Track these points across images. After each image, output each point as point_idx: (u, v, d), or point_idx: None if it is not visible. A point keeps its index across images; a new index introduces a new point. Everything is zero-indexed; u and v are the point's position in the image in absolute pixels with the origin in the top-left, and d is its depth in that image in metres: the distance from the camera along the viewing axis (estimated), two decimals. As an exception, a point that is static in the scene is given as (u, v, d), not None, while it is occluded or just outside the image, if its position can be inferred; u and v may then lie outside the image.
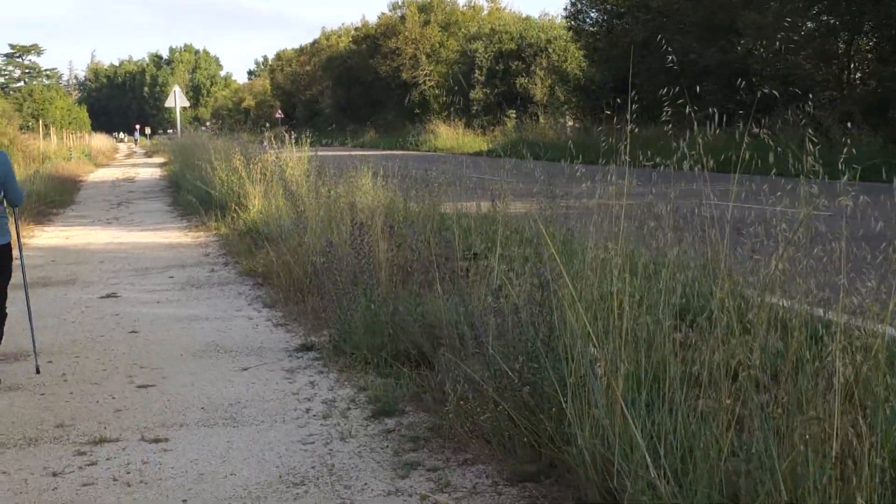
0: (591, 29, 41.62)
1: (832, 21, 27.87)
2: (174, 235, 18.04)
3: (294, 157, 18.12)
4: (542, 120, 46.01)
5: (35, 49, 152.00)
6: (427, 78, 66.07)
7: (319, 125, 75.50)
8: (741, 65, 29.86)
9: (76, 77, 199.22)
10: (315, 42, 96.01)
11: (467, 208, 13.14)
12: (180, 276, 13.23)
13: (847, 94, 27.63)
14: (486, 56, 55.46)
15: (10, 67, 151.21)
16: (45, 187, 28.25)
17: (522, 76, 53.07)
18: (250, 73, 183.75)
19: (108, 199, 28.02)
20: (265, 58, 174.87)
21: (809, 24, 29.04)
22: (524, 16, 60.73)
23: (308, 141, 19.51)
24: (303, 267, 10.89)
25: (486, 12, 69.03)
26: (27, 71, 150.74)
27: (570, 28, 43.86)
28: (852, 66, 28.36)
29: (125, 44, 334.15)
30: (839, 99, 27.11)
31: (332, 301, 8.85)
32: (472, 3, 70.45)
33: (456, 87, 55.09)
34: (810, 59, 28.36)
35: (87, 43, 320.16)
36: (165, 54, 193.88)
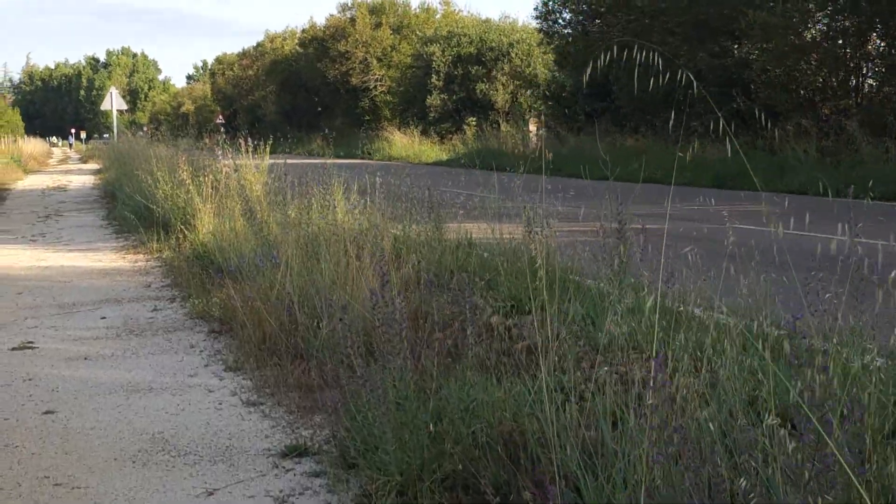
0: (564, 31, 39.15)
1: (842, 24, 25.59)
2: (109, 258, 15.34)
3: (252, 168, 15.55)
4: (503, 128, 43.56)
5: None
6: (378, 83, 63.52)
7: (262, 131, 72.67)
8: (737, 70, 27.59)
9: (10, 80, 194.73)
10: (258, 45, 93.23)
11: (471, 233, 11.20)
12: (115, 316, 10.57)
13: (861, 102, 25.37)
14: (444, 60, 52.96)
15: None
16: (-37, 196, 25.54)
17: (483, 81, 50.65)
18: (190, 77, 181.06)
19: (36, 210, 25.19)
20: (205, 62, 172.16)
21: (818, 27, 26.79)
22: (484, 18, 58.19)
23: (268, 148, 16.81)
24: (278, 317, 8.27)
25: (440, 15, 66.62)
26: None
27: (540, 30, 41.16)
28: (864, 71, 26.10)
29: (61, 46, 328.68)
30: (849, 108, 24.84)
31: (331, 376, 6.32)
32: (426, 6, 68.05)
33: (411, 92, 52.78)
34: (818, 64, 26.07)
35: (22, 45, 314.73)
36: (103, 57, 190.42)
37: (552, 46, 41.08)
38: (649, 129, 29.82)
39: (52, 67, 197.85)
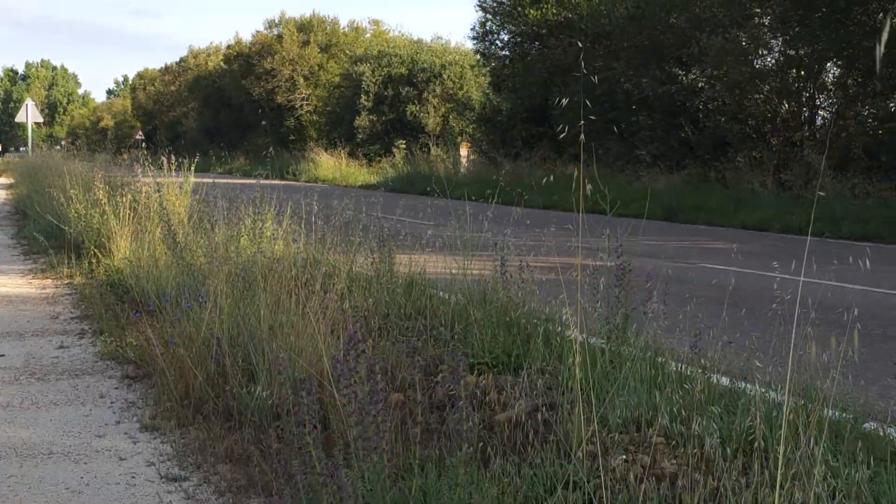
0: (501, 53, 38.03)
1: (796, 52, 24.72)
2: (14, 282, 13.95)
3: (174, 187, 14.28)
4: (433, 151, 42.40)
5: None
6: (304, 102, 62.12)
7: (182, 148, 71.02)
8: (684, 98, 26.71)
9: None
10: (182, 60, 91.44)
11: (421, 265, 10.13)
12: (15, 354, 9.27)
13: (815, 134, 24.51)
14: (374, 80, 51.57)
15: None
16: None
17: (414, 103, 49.47)
18: (110, 92, 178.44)
19: (-60, 226, 23.59)
20: (126, 77, 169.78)
21: (772, 55, 25.94)
22: (416, 39, 56.95)
23: (193, 166, 15.50)
24: (205, 367, 7.03)
25: (369, 34, 65.42)
26: None
27: (477, 51, 39.96)
28: (817, 101, 25.25)
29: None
30: (802, 140, 23.97)
31: (275, 457, 5.14)
32: (355, 25, 66.78)
33: (338, 112, 51.51)
34: (768, 94, 25.23)
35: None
36: (21, 69, 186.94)
37: (488, 69, 39.98)
38: (591, 156, 28.85)
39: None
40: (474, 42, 38.89)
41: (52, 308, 11.86)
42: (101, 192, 14.28)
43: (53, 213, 16.79)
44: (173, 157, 15.20)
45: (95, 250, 13.68)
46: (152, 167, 16.53)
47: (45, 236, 16.86)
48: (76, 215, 15.17)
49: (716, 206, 21.50)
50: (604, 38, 30.00)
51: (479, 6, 37.81)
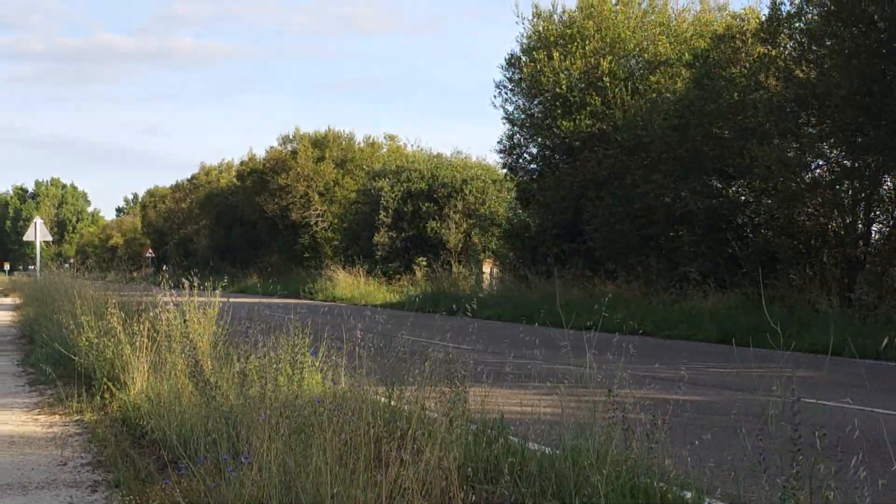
0: (529, 166, 36.85)
1: (852, 162, 23.41)
2: (18, 419, 12.54)
3: (195, 310, 12.92)
4: (455, 269, 41.11)
5: None
6: (320, 219, 61.09)
7: (194, 267, 69.99)
8: (729, 211, 25.40)
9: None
10: (193, 178, 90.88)
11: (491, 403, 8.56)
12: (17, 518, 7.87)
13: (869, 251, 23.13)
14: (393, 196, 50.45)
15: None
16: None
17: (434, 219, 48.30)
18: (119, 210, 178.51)
19: (-58, 352, 22.20)
20: (135, 195, 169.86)
21: (823, 165, 24.61)
22: (435, 153, 55.96)
23: (220, 285, 14.10)
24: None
25: (385, 150, 64.61)
26: None
27: (504, 165, 38.77)
28: (872, 215, 23.84)
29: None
30: (856, 258, 22.61)
31: None
32: (371, 140, 65.95)
33: (355, 229, 50.35)
34: (822, 207, 23.89)
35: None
36: (31, 188, 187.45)
37: (515, 183, 38.78)
38: (630, 273, 27.52)
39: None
40: (501, 156, 37.68)
41: (60, 452, 10.43)
42: (115, 318, 12.90)
43: (62, 340, 15.45)
44: (194, 278, 13.78)
45: (108, 383, 12.28)
46: (170, 288, 15.17)
47: (53, 365, 15.53)
48: (87, 344, 13.80)
49: (776, 327, 19.96)
50: (641, 151, 28.77)
51: (507, 119, 36.75)
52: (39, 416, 12.70)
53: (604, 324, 23.35)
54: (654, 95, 30.50)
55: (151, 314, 12.76)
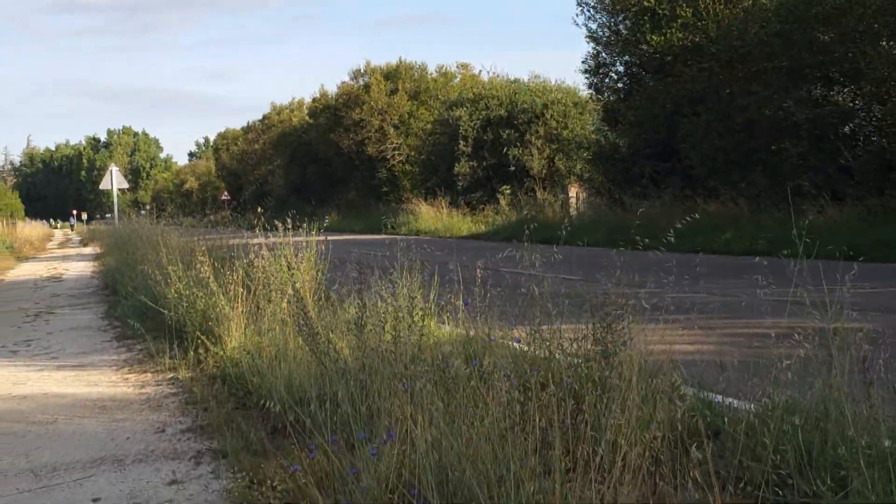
0: (616, 85, 35.30)
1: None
2: (108, 379, 11.63)
3: (291, 254, 11.87)
4: (540, 195, 39.77)
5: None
6: (396, 152, 59.97)
7: (270, 207, 69.39)
8: (837, 120, 23.84)
9: (11, 163, 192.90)
10: (265, 118, 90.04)
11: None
12: (115, 497, 6.94)
13: None
14: (472, 124, 49.13)
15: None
16: (-56, 292, 21.94)
17: (516, 146, 46.90)
18: (192, 154, 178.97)
19: (25, 306, 21.45)
20: (207, 139, 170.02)
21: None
22: (512, 79, 54.27)
23: (317, 226, 13.01)
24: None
25: (458, 79, 63.17)
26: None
27: (590, 85, 37.26)
28: None
29: (62, 128, 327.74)
30: None
31: None
32: (444, 70, 64.45)
33: (433, 161, 49.03)
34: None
35: (22, 127, 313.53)
36: (104, 137, 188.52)
37: (601, 104, 37.25)
38: (734, 190, 26.01)
39: (53, 149, 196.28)
40: (586, 76, 36.07)
41: (155, 416, 9.47)
42: (205, 266, 11.88)
43: (147, 291, 14.50)
44: (288, 219, 12.68)
45: (202, 337, 11.28)
46: (261, 230, 14.15)
47: (140, 318, 14.62)
48: (176, 296, 12.82)
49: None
50: (738, 62, 27.20)
51: (590, 37, 35.21)
52: (130, 375, 11.78)
53: (712, 245, 22.06)
54: (749, 3, 28.80)
55: (245, 260, 11.73)
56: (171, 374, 11.39)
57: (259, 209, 13.00)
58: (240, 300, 10.96)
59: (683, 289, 7.48)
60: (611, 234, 26.18)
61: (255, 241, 12.87)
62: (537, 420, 4.80)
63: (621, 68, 35.39)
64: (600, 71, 35.52)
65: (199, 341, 11.23)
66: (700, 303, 7.04)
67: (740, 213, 24.42)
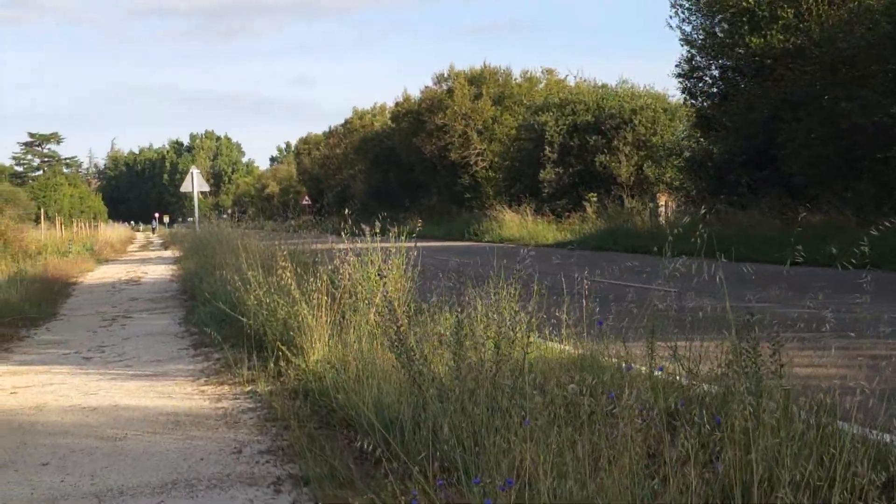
0: (711, 90, 34.07)
1: None
2: (183, 391, 10.94)
3: (381, 261, 11.09)
4: (627, 203, 38.68)
5: (55, 137, 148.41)
6: (479, 158, 59.14)
7: (355, 210, 68.62)
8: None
9: (96, 165, 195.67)
10: (346, 122, 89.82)
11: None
12: (185, 534, 6.18)
13: None
14: (558, 130, 48.05)
15: (30, 156, 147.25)
16: (23, 293, 21.46)
17: (603, 153, 45.83)
18: (273, 159, 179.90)
19: (102, 310, 20.95)
20: (288, 144, 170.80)
21: None
22: (599, 84, 53.14)
23: (405, 234, 12.15)
24: None
25: (542, 84, 62.22)
26: (46, 160, 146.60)
27: (684, 90, 35.87)
28: None
29: (146, 132, 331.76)
30: None
31: None
32: (529, 75, 63.53)
33: (517, 167, 48.08)
34: None
35: (107, 131, 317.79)
36: (186, 141, 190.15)
37: (694, 109, 36.00)
38: (839, 200, 24.76)
39: (137, 152, 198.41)
40: (679, 80, 34.68)
41: (232, 434, 8.73)
42: (287, 272, 11.12)
43: (226, 298, 13.80)
44: (375, 225, 11.89)
45: (282, 347, 10.52)
46: (349, 235, 13.39)
47: (218, 325, 13.97)
48: (256, 303, 12.09)
49: None
50: (843, 65, 25.96)
51: (685, 40, 33.92)
52: (206, 387, 11.08)
53: (815, 257, 20.90)
54: (854, 3, 27.51)
55: (329, 266, 10.96)
56: (250, 387, 10.68)
57: (347, 210, 12.11)
58: (324, 309, 10.19)
59: (790, 303, 6.71)
60: (706, 244, 25.13)
61: (340, 246, 12.09)
62: (690, 468, 3.94)
63: (716, 72, 34.08)
64: (694, 75, 34.19)
65: (280, 352, 10.49)
66: (808, 318, 6.19)
67: (846, 224, 23.18)
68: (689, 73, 34.30)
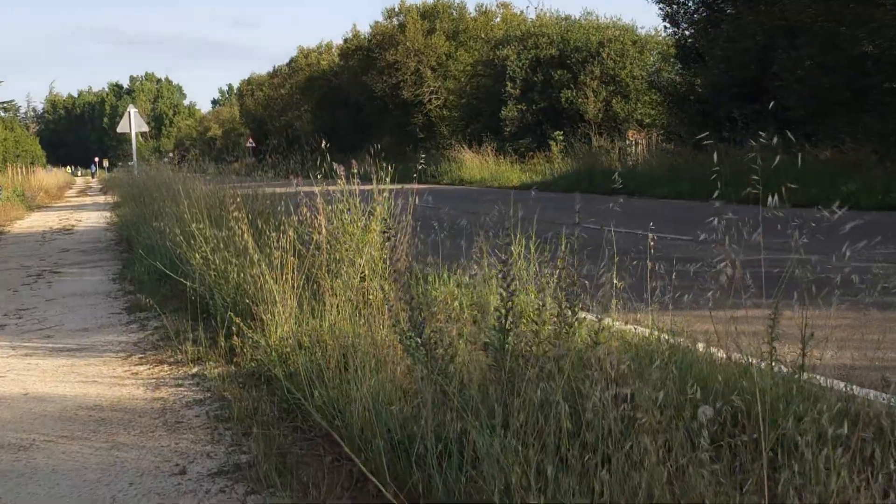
0: (694, 16, 31.60)
1: None
2: (110, 373, 8.75)
3: (356, 210, 8.87)
4: (595, 141, 36.49)
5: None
6: (433, 96, 56.75)
7: (296, 155, 66.22)
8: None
9: (34, 109, 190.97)
10: (292, 61, 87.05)
11: None
12: None
13: None
14: (521, 64, 45.62)
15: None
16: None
17: (569, 88, 43.52)
18: (215, 102, 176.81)
19: (27, 264, 18.70)
20: (230, 86, 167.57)
21: None
22: (563, 16, 50.58)
23: (388, 174, 9.81)
24: None
25: (498, 19, 59.88)
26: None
27: (666, 16, 33.13)
28: None
29: (85, 75, 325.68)
30: None
31: None
32: (484, 9, 61.09)
33: (475, 104, 45.78)
34: None
35: (45, 74, 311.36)
36: (126, 84, 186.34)
37: (675, 38, 33.60)
38: (847, 135, 22.67)
39: (76, 96, 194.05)
40: (660, 6, 32.28)
41: (173, 442, 6.56)
42: (241, 225, 8.85)
43: (165, 254, 11.57)
44: (354, 164, 9.62)
45: (236, 319, 8.25)
46: (302, 176, 11.23)
47: (155, 284, 11.76)
48: (202, 262, 9.81)
49: None
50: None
51: (665, -38, 31.48)
52: (140, 367, 8.87)
53: (833, 198, 18.93)
54: None
55: (295, 217, 8.70)
56: (195, 369, 8.52)
57: (325, 143, 9.83)
58: (290, 272, 7.95)
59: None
60: (694, 184, 23.09)
61: (307, 189, 9.81)
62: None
63: (700, -7, 31.44)
64: (675, 0, 31.77)
65: (233, 324, 8.23)
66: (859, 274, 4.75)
67: (862, 161, 21.13)
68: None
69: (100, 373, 8.72)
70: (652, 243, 6.05)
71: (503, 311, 4.92)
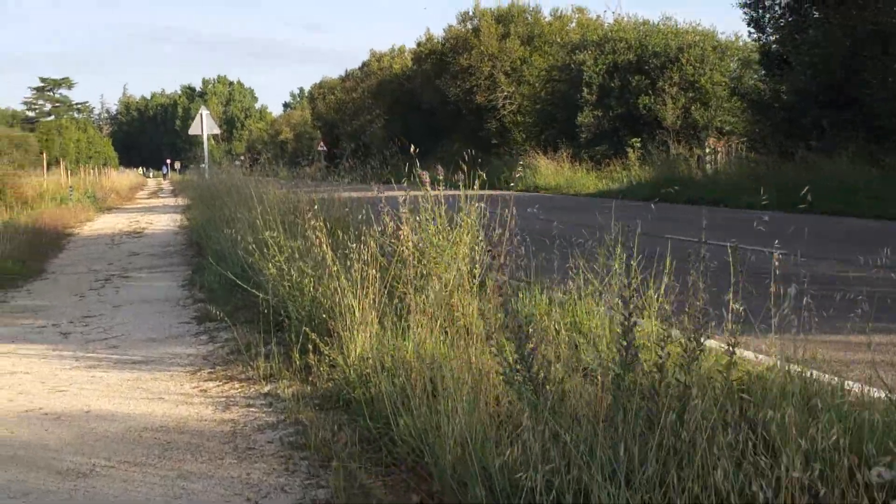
0: (780, 22, 30.52)
1: None
2: (178, 390, 8.27)
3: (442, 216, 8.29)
4: (673, 149, 35.63)
5: (66, 82, 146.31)
6: (507, 101, 56.00)
7: (373, 159, 65.72)
8: None
9: (108, 111, 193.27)
10: (364, 65, 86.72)
11: None
12: None
13: None
14: (597, 70, 44.63)
15: (41, 101, 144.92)
16: (6, 247, 18.88)
17: (647, 94, 42.65)
18: (286, 105, 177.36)
19: (95, 268, 18.35)
20: (301, 90, 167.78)
21: None
22: (641, 21, 49.43)
23: (465, 184, 9.10)
24: None
25: (574, 24, 58.92)
26: (57, 105, 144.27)
27: (749, 21, 31.84)
28: None
29: (158, 77, 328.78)
30: None
31: None
32: (559, 14, 60.12)
33: (549, 111, 44.92)
34: None
35: (118, 77, 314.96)
36: (199, 86, 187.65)
37: (760, 43, 32.54)
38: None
39: (149, 98, 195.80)
40: (744, 11, 31.07)
41: (244, 471, 6.01)
42: (319, 234, 8.26)
43: (237, 262, 11.05)
44: (438, 169, 8.98)
45: (312, 335, 7.68)
46: (380, 184, 10.63)
47: (227, 293, 11.27)
48: (275, 273, 9.25)
49: None
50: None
51: (750, -34, 30.45)
52: (209, 384, 8.34)
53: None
54: None
55: (378, 228, 8.10)
56: (268, 387, 7.94)
57: (413, 149, 9.21)
58: (371, 286, 7.36)
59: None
60: (781, 193, 22.24)
61: (390, 194, 9.19)
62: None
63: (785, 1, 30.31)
64: (761, 4, 30.68)
65: (309, 340, 7.67)
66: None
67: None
68: (755, 2, 30.72)
69: (167, 389, 8.22)
70: (776, 260, 5.39)
71: (623, 342, 4.28)
